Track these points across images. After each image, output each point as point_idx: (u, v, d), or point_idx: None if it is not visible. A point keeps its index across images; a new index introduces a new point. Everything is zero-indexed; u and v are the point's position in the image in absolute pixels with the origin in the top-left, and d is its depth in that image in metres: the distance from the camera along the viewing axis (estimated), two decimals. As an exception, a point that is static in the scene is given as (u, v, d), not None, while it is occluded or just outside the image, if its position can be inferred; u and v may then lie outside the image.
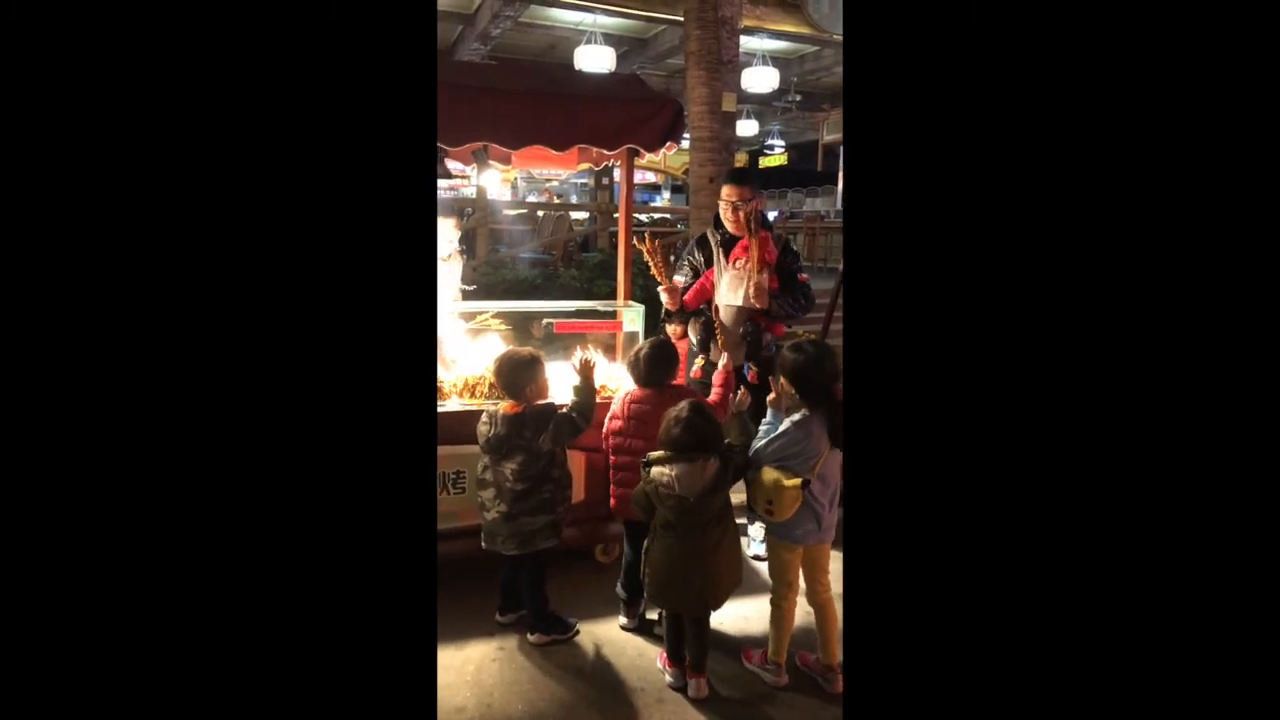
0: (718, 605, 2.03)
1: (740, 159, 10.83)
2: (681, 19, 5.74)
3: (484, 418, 2.24)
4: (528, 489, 2.17)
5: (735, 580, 2.03)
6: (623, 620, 2.39)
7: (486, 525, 2.26)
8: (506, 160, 3.17)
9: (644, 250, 2.72)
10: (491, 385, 2.67)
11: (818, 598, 2.12)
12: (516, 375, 2.21)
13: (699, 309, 2.87)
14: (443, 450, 2.52)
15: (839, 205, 14.84)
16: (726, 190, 2.80)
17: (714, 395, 2.30)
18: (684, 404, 1.95)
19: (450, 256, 3.16)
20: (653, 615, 2.40)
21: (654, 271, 2.75)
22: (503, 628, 2.38)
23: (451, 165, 3.07)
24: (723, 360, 2.42)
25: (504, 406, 2.22)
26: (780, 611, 2.11)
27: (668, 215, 13.50)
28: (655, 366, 2.26)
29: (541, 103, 2.60)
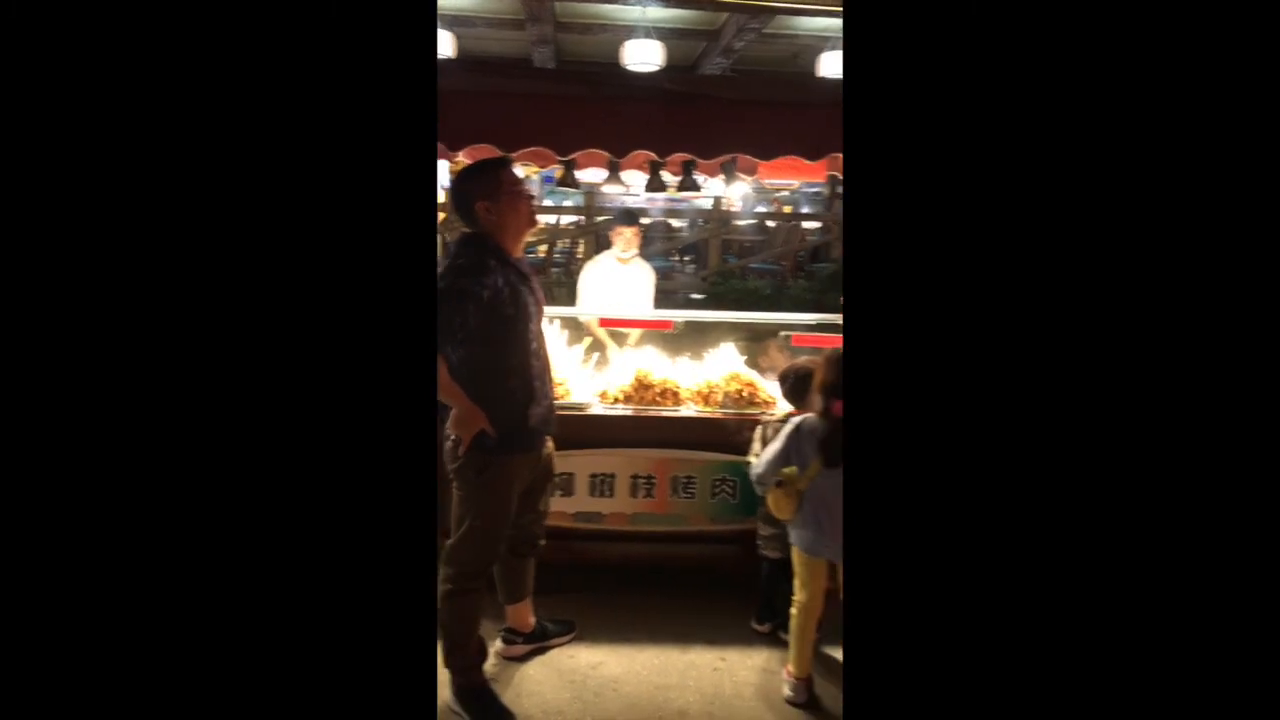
0: None
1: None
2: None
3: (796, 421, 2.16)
4: None
5: None
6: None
7: None
8: (753, 171, 3.18)
9: None
10: (730, 393, 2.68)
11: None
12: (806, 388, 2.16)
13: None
14: (676, 454, 2.59)
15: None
16: None
17: None
18: None
19: (631, 259, 3.44)
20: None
21: None
22: (760, 637, 2.40)
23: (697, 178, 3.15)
24: None
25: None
26: (796, 622, 2.08)
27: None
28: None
29: (793, 112, 2.56)
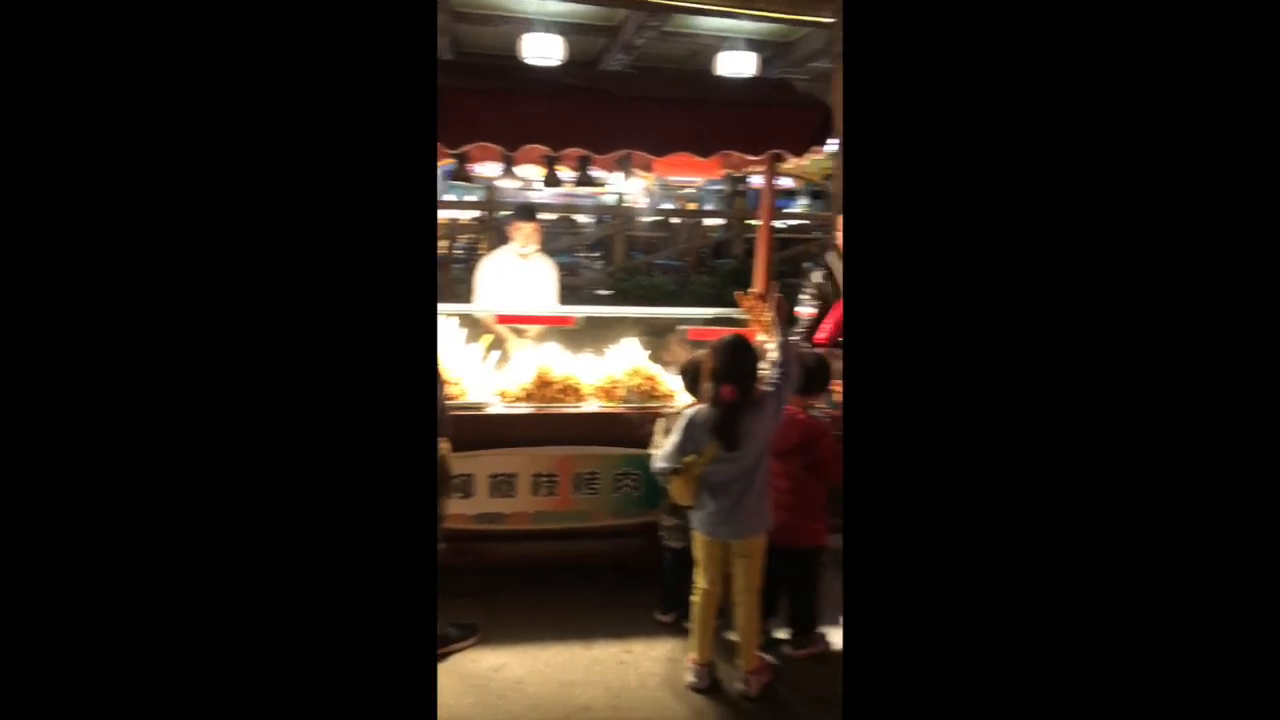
0: None
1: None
2: (829, 20, 5.57)
3: (663, 424, 2.31)
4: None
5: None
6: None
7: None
8: (649, 167, 3.21)
9: (743, 305, 2.39)
10: (632, 388, 2.69)
11: (735, 595, 2.10)
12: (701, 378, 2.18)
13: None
14: (578, 451, 2.58)
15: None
16: (840, 221, 2.66)
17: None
18: None
19: (531, 255, 3.38)
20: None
21: (757, 326, 2.35)
22: (665, 627, 2.42)
23: (594, 173, 3.15)
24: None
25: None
26: (698, 609, 2.13)
27: (805, 222, 13.15)
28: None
29: (687, 109, 2.60)
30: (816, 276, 2.81)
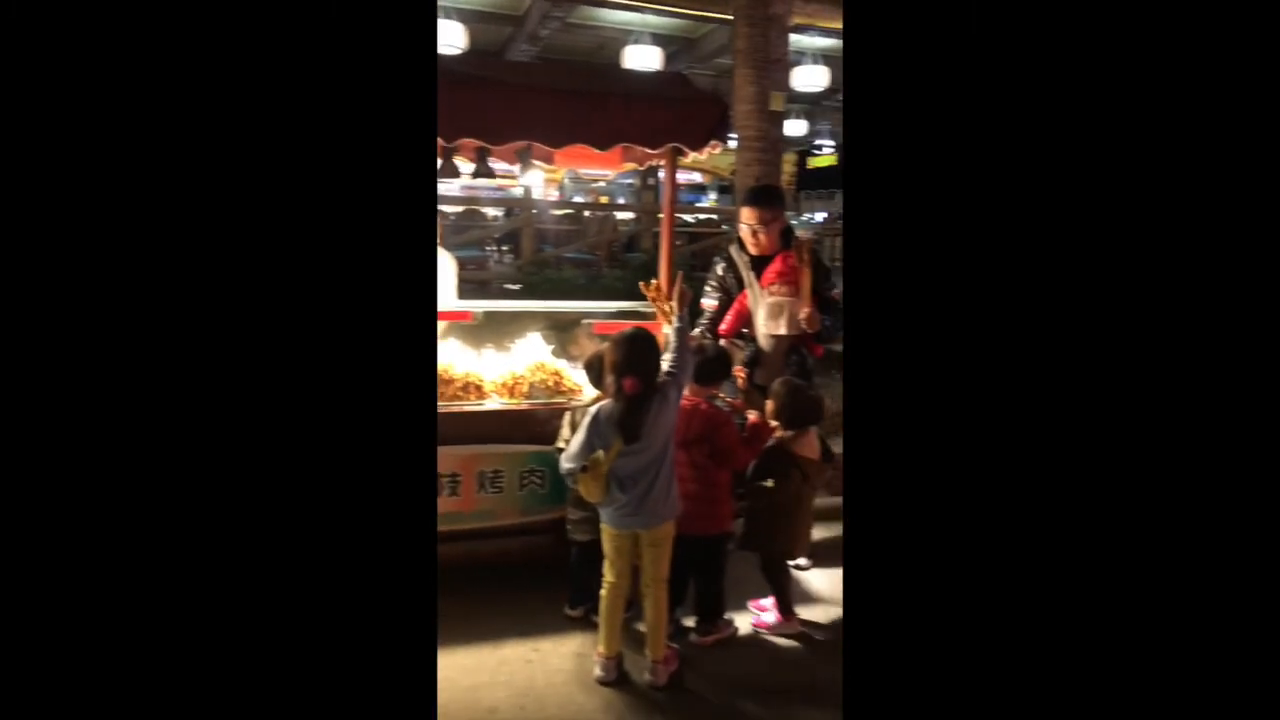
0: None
1: (788, 159, 10.64)
2: (731, 17, 5.67)
3: (571, 418, 2.31)
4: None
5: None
6: None
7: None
8: (550, 160, 3.17)
9: (649, 296, 2.33)
10: (536, 384, 2.66)
11: (644, 585, 2.14)
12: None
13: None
14: (481, 449, 2.53)
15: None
16: (745, 213, 2.68)
17: (744, 457, 2.33)
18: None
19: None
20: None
21: (661, 318, 2.29)
22: (574, 623, 2.41)
23: (495, 165, 3.08)
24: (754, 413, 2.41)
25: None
26: (605, 602, 2.14)
27: (713, 216, 13.38)
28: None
29: (583, 101, 2.58)
30: (719, 269, 2.85)
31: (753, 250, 2.71)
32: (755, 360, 2.70)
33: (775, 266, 2.65)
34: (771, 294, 2.67)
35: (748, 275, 2.74)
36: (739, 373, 2.63)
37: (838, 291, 2.75)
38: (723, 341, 2.74)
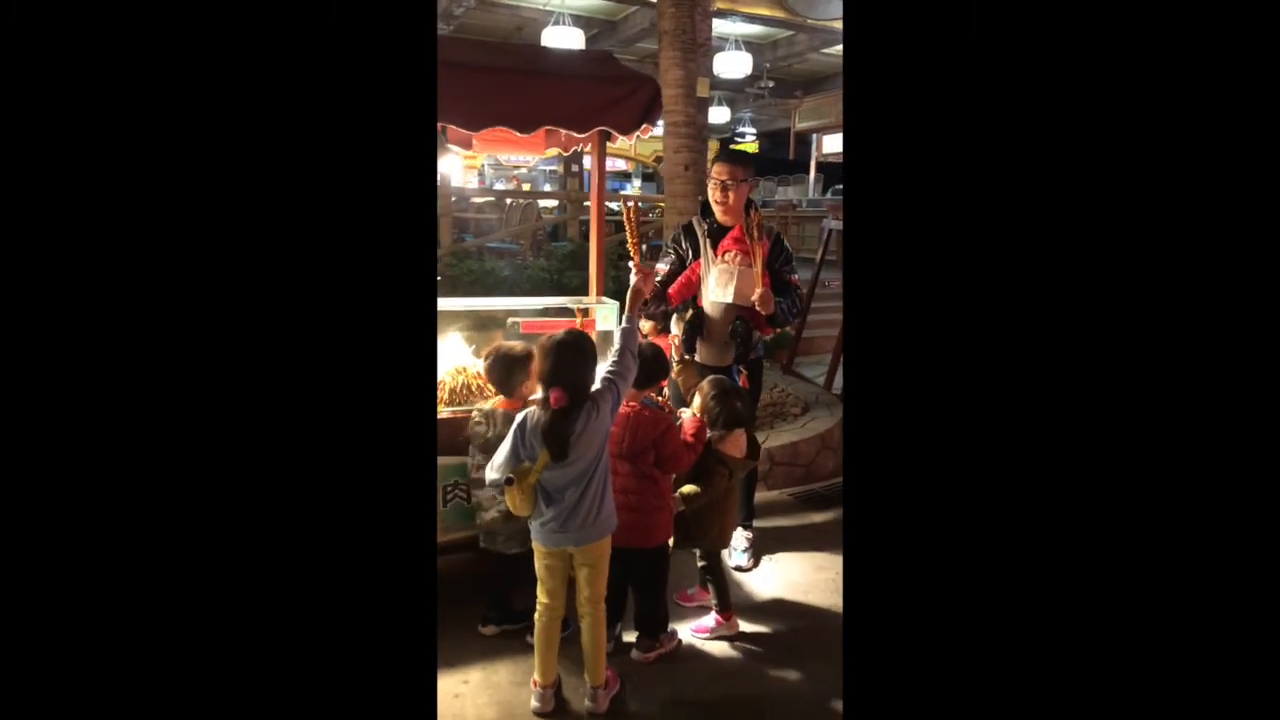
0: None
1: (712, 146, 10.61)
2: (653, 1, 5.51)
3: (476, 416, 2.24)
4: None
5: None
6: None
7: (485, 526, 2.27)
8: (467, 144, 2.94)
9: (623, 214, 2.45)
10: (456, 389, 2.45)
11: (579, 606, 1.99)
12: (511, 373, 2.21)
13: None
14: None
15: (811, 194, 14.75)
16: (716, 168, 2.61)
17: (687, 460, 2.18)
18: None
19: None
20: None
21: (629, 244, 2.40)
22: (505, 649, 2.22)
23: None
24: (690, 412, 2.29)
25: (497, 403, 2.22)
26: (540, 626, 1.98)
27: (639, 203, 13.22)
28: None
29: (504, 81, 2.37)
30: (679, 236, 2.74)
31: (719, 210, 2.62)
32: (698, 324, 2.60)
33: (733, 234, 2.60)
34: (725, 260, 2.60)
35: (704, 244, 2.66)
36: (657, 337, 2.54)
37: (796, 276, 2.70)
38: (665, 306, 2.67)
